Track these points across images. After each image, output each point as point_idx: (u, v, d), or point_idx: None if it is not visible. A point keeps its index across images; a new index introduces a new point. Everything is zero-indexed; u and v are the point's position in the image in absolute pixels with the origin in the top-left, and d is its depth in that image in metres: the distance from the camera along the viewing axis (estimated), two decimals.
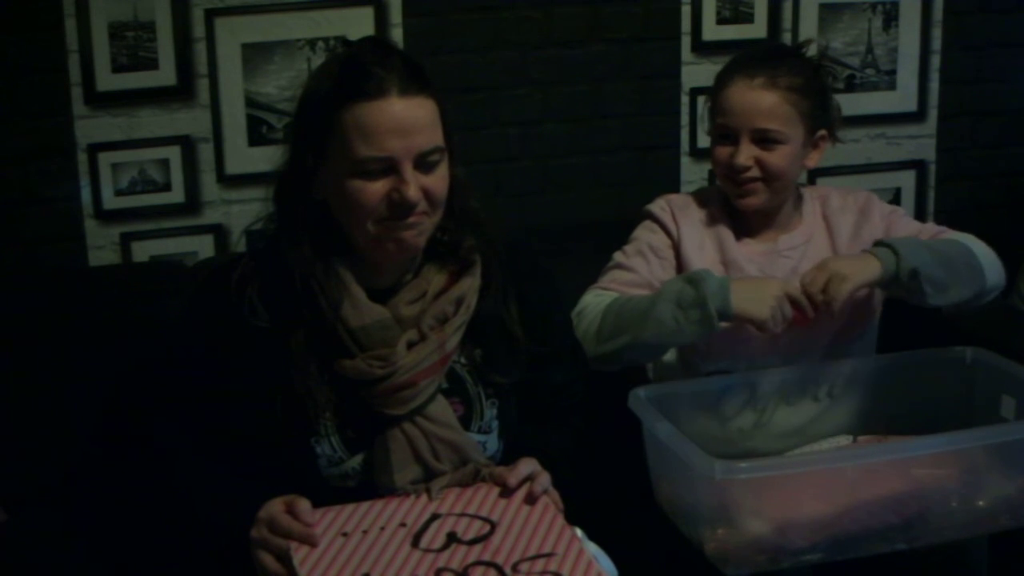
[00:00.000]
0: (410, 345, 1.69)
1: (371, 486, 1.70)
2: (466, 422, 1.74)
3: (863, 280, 1.94)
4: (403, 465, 1.69)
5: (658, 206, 2.14)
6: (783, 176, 2.04)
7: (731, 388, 2.02)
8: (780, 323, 1.90)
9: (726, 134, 2.03)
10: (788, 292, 1.91)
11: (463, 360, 1.76)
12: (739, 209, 2.08)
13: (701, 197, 2.16)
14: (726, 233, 2.10)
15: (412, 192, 1.61)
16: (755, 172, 2.02)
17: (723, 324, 1.90)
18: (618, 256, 2.11)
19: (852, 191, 2.18)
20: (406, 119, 1.61)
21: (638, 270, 2.07)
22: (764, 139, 2.01)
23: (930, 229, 2.14)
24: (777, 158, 2.02)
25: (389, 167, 1.61)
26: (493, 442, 1.77)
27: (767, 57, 2.04)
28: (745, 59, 2.05)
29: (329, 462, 1.70)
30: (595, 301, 2.02)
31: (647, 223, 2.14)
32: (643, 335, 1.92)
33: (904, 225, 2.14)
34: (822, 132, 2.07)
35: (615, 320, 1.95)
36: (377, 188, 1.62)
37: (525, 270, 1.82)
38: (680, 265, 2.08)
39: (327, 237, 1.69)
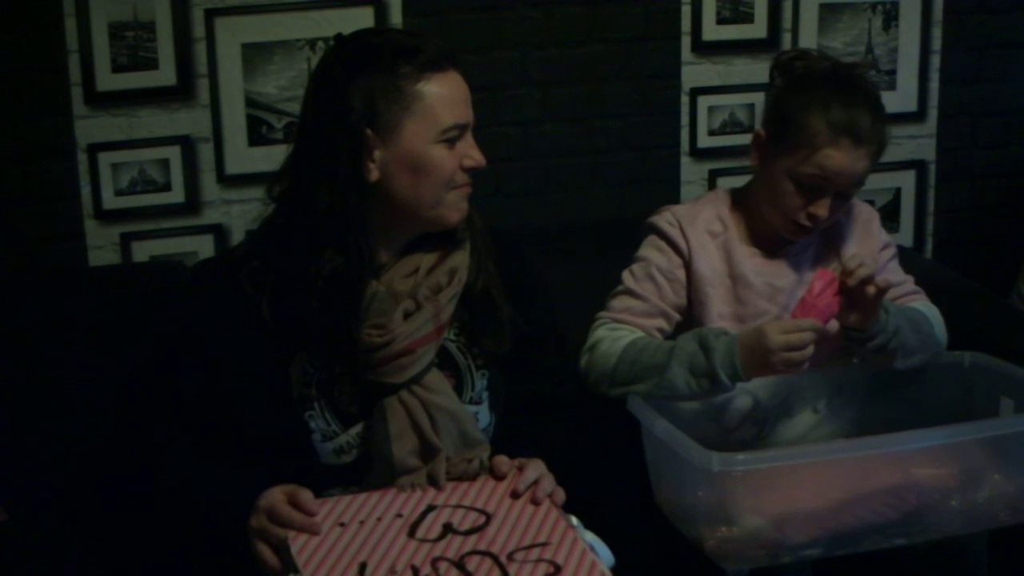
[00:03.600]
0: (406, 315, 1.74)
1: (368, 460, 1.75)
2: (457, 393, 1.79)
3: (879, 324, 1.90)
4: (401, 434, 1.72)
5: (665, 220, 2.09)
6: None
7: (731, 401, 2.01)
8: (801, 362, 1.82)
9: (811, 184, 1.97)
10: (788, 350, 1.82)
11: (452, 335, 1.82)
12: (766, 227, 2.06)
13: (705, 207, 2.12)
14: (734, 244, 2.07)
15: (481, 156, 1.76)
16: (824, 222, 2.00)
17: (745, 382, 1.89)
18: (627, 279, 2.07)
19: (855, 202, 2.15)
20: (466, 89, 1.76)
21: (649, 297, 2.04)
22: (843, 194, 1.99)
23: (908, 286, 2.12)
24: (843, 208, 2.02)
25: (459, 135, 1.74)
26: (484, 414, 1.83)
27: (866, 117, 1.96)
28: (847, 116, 1.95)
29: (324, 436, 1.75)
30: (609, 338, 1.99)
31: (654, 239, 2.09)
32: (658, 392, 1.90)
33: (893, 268, 2.13)
34: None
35: (630, 369, 1.93)
36: (454, 155, 1.73)
37: (509, 254, 1.88)
38: (691, 280, 2.06)
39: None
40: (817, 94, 1.98)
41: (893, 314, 1.93)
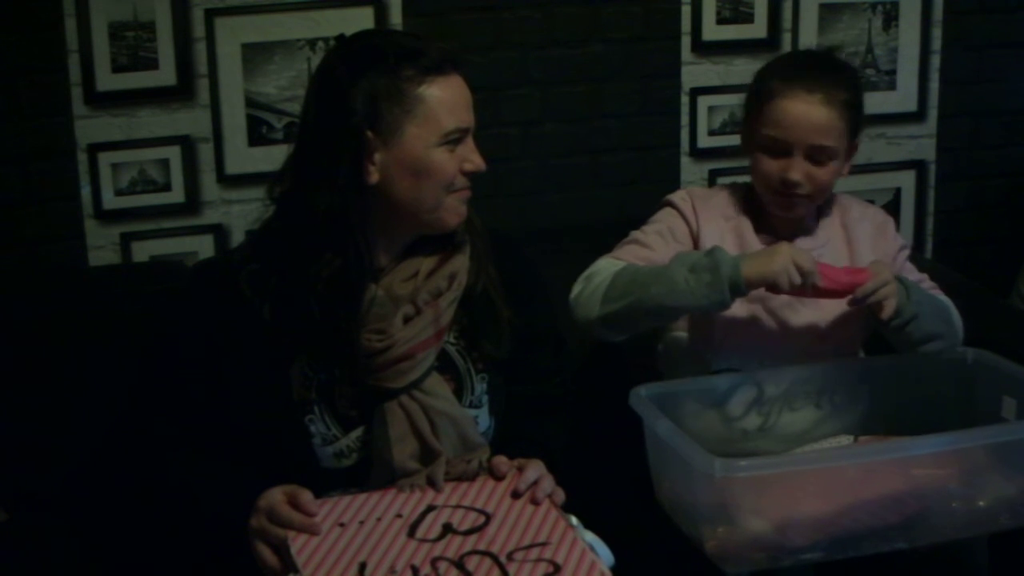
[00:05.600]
0: (406, 319, 1.74)
1: (368, 464, 1.75)
2: (457, 396, 1.79)
3: (897, 307, 1.91)
4: (401, 438, 1.73)
5: (679, 196, 2.12)
6: (828, 190, 2.04)
7: (736, 389, 2.01)
8: (796, 281, 1.82)
9: (777, 147, 1.99)
10: (796, 259, 1.83)
11: (452, 339, 1.82)
12: (776, 217, 2.07)
13: (722, 191, 2.14)
14: (746, 230, 2.08)
15: (482, 160, 1.76)
16: (805, 188, 1.99)
17: (734, 299, 1.86)
18: (635, 233, 2.08)
19: (870, 206, 2.18)
20: (468, 93, 1.76)
21: (655, 248, 2.04)
22: (817, 155, 1.98)
23: (926, 283, 2.12)
24: (826, 174, 2.00)
25: (460, 139, 1.73)
26: (484, 417, 1.83)
27: (819, 69, 2.00)
28: (798, 70, 2.00)
29: (323, 440, 1.75)
30: (607, 265, 1.99)
31: (668, 210, 2.12)
32: (650, 293, 1.86)
33: (910, 269, 2.14)
34: (855, 141, 2.05)
35: (626, 282, 1.91)
36: (455, 158, 1.73)
37: (508, 255, 1.89)
38: None
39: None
40: (773, 64, 2.04)
41: (914, 301, 1.94)
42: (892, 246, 2.14)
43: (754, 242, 2.07)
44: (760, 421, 2.03)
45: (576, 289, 1.99)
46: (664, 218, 2.10)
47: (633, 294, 1.89)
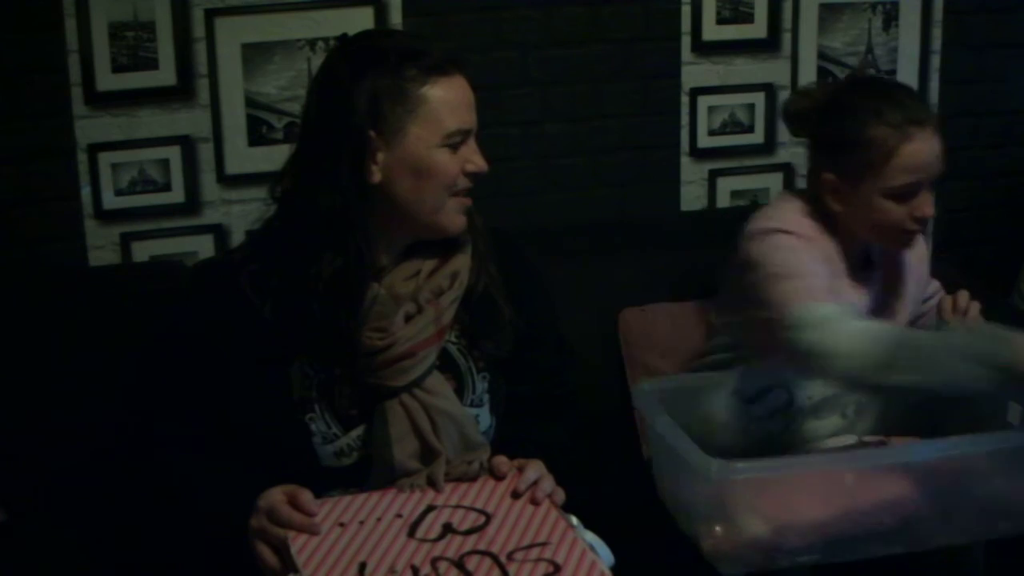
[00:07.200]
0: (408, 318, 1.74)
1: (368, 463, 1.75)
2: (458, 395, 1.79)
3: None
4: (402, 437, 1.73)
5: (782, 223, 1.97)
6: None
7: (769, 393, 2.01)
8: None
9: (907, 191, 1.95)
10: None
11: (453, 338, 1.82)
12: (853, 240, 2.02)
13: (801, 214, 2.02)
14: (833, 253, 2.00)
15: (484, 161, 1.75)
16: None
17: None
18: (792, 267, 1.88)
19: None
20: (471, 94, 1.75)
21: (820, 275, 1.90)
22: (936, 181, 1.98)
23: (939, 291, 2.18)
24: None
25: (462, 140, 1.73)
26: (485, 416, 1.83)
27: (902, 98, 1.97)
28: (894, 107, 1.94)
29: (324, 439, 1.75)
30: (841, 315, 1.80)
31: (782, 237, 1.94)
32: (934, 380, 1.71)
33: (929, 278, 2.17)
34: None
35: (909, 357, 1.72)
36: (457, 159, 1.73)
37: (509, 255, 1.88)
38: None
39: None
40: (858, 109, 1.96)
41: None
42: (923, 259, 2.15)
43: (842, 267, 1.99)
44: (784, 424, 2.03)
45: (809, 335, 1.77)
46: (793, 244, 1.93)
47: (919, 372, 1.71)
